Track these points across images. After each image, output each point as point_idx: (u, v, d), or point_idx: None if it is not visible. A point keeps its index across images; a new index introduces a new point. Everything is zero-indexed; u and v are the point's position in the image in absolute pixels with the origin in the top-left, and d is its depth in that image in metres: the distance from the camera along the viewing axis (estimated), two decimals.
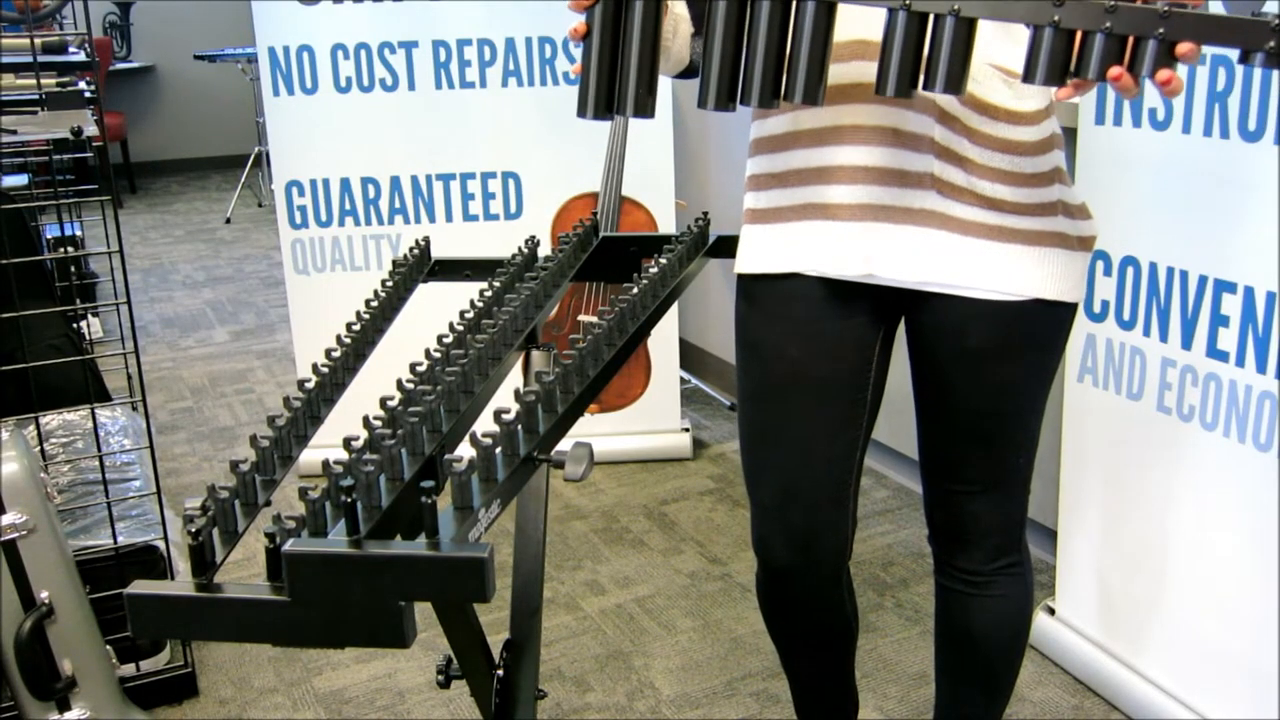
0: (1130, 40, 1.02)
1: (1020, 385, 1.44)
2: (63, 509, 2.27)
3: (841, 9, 1.09)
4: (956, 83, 1.07)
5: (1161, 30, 1.00)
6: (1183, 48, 1.00)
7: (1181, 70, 1.04)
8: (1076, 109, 2.05)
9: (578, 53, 1.18)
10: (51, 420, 2.68)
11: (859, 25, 1.29)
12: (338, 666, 2.35)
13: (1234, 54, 1.01)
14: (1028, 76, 1.05)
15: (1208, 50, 1.77)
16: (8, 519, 1.85)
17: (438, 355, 1.19)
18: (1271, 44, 0.97)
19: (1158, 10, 1.00)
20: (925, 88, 1.08)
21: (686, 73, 1.45)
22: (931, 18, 1.06)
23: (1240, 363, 1.81)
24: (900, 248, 1.35)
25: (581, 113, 1.17)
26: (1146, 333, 1.97)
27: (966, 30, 1.06)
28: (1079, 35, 1.03)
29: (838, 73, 1.32)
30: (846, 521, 1.53)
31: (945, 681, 1.70)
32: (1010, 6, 1.04)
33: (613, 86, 1.16)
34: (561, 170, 3.06)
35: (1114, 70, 1.02)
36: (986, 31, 1.29)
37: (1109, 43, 1.02)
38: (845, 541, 1.55)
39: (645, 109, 1.16)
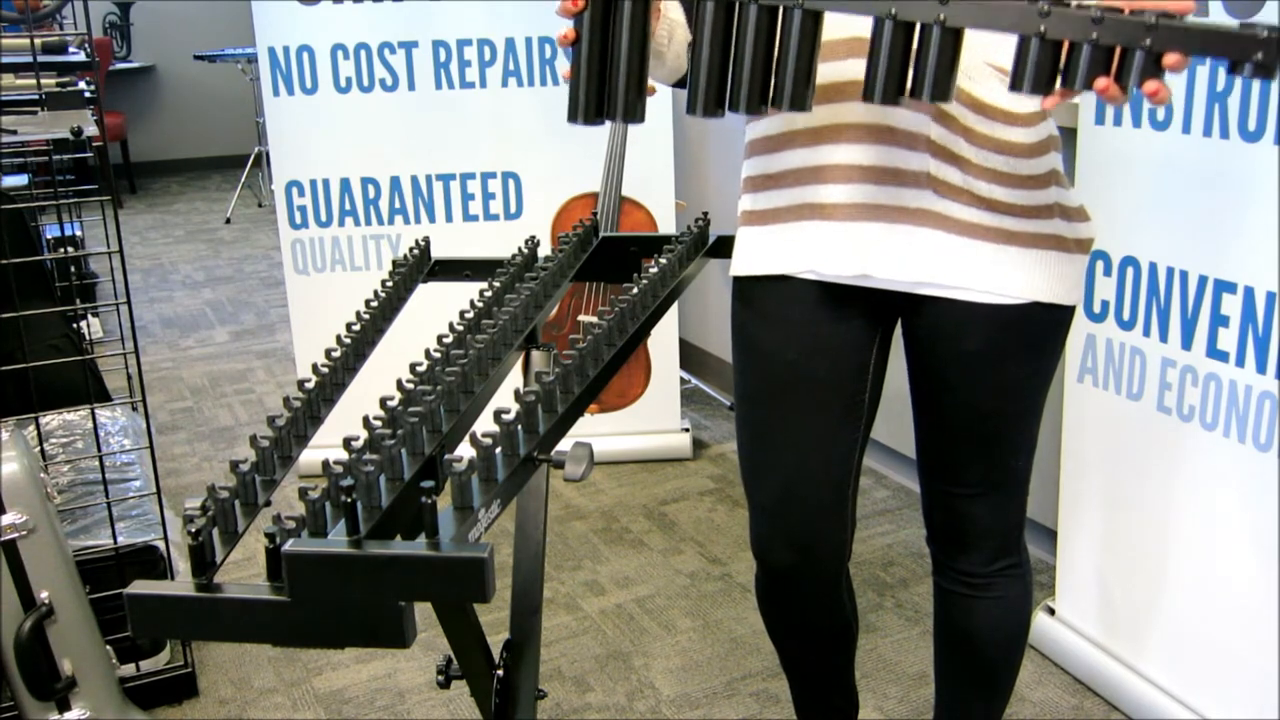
0: (1118, 50, 1.02)
1: (1018, 387, 1.44)
2: (63, 509, 2.27)
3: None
4: (944, 91, 1.07)
5: (1148, 41, 0.99)
6: (1170, 59, 0.99)
7: (1170, 79, 1.03)
8: (1076, 109, 2.05)
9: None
10: (51, 420, 2.68)
11: (854, 23, 1.28)
12: (338, 666, 2.35)
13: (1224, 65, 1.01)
14: (1015, 85, 1.04)
15: None
16: (8, 519, 1.85)
17: (438, 355, 1.19)
18: (1260, 55, 0.96)
19: (1145, 21, 0.99)
20: (913, 95, 1.08)
21: (684, 82, 1.44)
22: (918, 27, 1.06)
23: (1240, 363, 1.81)
24: (896, 247, 1.34)
25: (572, 118, 1.17)
26: (1146, 333, 1.97)
27: (953, 40, 1.06)
28: (1066, 45, 1.03)
29: (833, 71, 1.32)
30: (846, 522, 1.53)
31: (945, 683, 1.71)
32: (996, 16, 1.04)
33: (603, 92, 1.16)
34: (561, 170, 3.06)
35: (1100, 82, 1.01)
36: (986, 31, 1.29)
37: (1096, 53, 1.01)
38: (844, 542, 1.55)
39: (635, 114, 1.16)
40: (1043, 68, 1.03)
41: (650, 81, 1.19)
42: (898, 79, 1.08)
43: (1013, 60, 1.04)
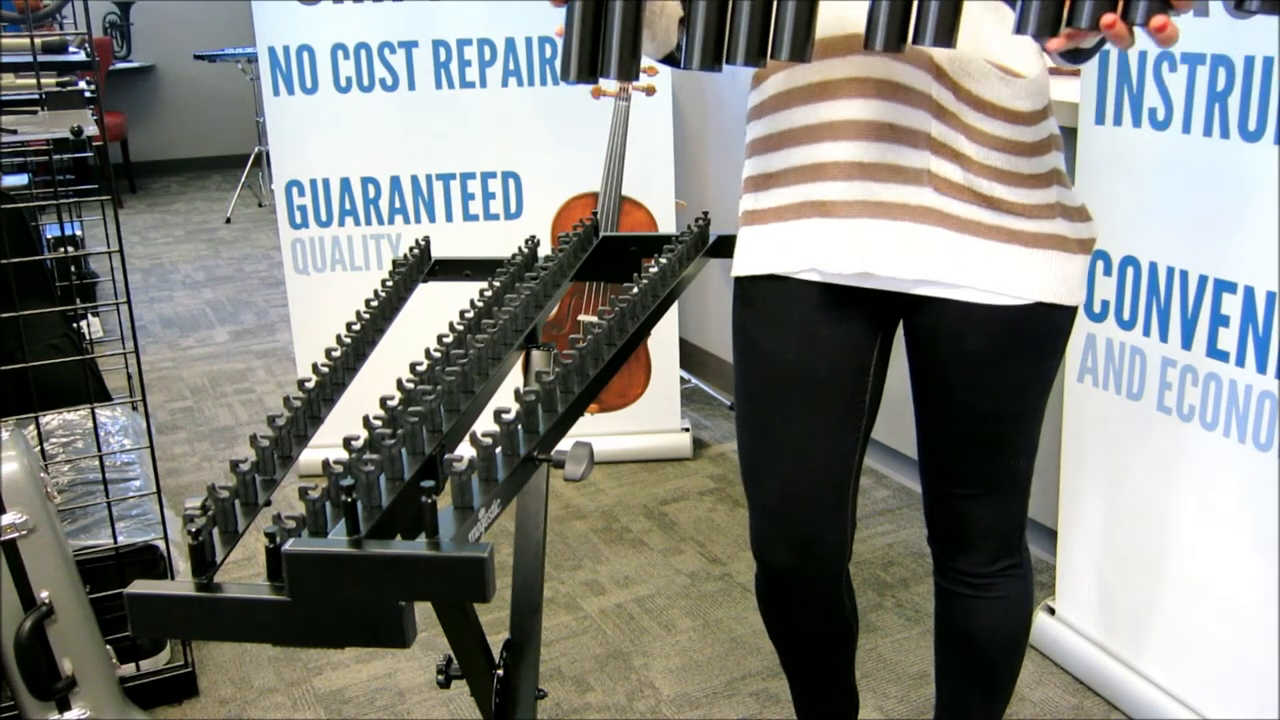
0: None
1: (1020, 388, 1.44)
2: (63, 509, 2.27)
3: (836, 8, 1.07)
4: (946, 35, 1.04)
5: None
6: None
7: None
8: (1077, 109, 2.05)
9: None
10: (51, 420, 2.68)
11: (853, 22, 1.29)
12: (338, 666, 2.35)
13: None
14: (1020, 28, 1.02)
15: (1208, 50, 1.77)
16: (8, 519, 1.85)
17: (438, 355, 1.19)
18: None
19: None
20: (915, 41, 1.06)
21: (670, 59, 1.43)
22: None
23: (1240, 363, 1.81)
24: (897, 243, 1.34)
25: (565, 76, 1.14)
26: (1146, 333, 1.97)
27: None
28: None
29: (832, 68, 1.32)
30: (846, 523, 1.53)
31: (945, 682, 1.70)
32: None
33: (596, 50, 1.14)
34: (561, 170, 3.06)
35: (1107, 18, 0.99)
36: (985, 28, 1.29)
37: None
38: (845, 543, 1.54)
39: (629, 72, 1.14)
40: (1048, 7, 1.01)
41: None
42: (899, 26, 1.06)
43: (1019, 1, 1.02)
